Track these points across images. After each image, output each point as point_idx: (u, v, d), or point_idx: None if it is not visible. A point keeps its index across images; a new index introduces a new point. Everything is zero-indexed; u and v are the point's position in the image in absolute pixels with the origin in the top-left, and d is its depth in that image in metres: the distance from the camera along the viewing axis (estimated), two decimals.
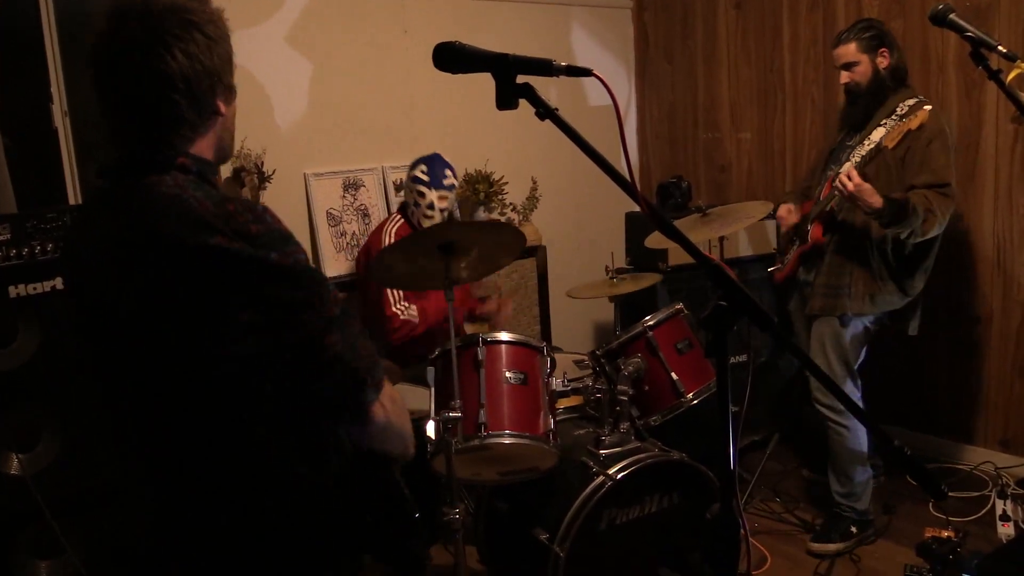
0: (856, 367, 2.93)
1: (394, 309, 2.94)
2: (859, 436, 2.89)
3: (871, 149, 2.74)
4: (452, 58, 1.28)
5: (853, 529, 2.94)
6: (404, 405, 1.36)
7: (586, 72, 1.24)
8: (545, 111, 1.23)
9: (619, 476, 2.21)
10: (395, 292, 2.96)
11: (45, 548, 2.34)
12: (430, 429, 2.14)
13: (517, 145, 3.97)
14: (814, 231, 2.94)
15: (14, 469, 2.26)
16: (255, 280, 1.14)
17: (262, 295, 1.15)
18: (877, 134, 2.81)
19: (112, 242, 1.20)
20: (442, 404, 2.16)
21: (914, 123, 2.55)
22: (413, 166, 3.14)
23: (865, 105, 2.86)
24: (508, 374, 2.19)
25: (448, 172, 3.11)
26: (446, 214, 3.12)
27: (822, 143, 3.39)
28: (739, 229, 2.97)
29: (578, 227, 4.30)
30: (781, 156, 4.01)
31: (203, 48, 1.22)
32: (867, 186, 2.60)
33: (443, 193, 3.08)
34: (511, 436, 2.12)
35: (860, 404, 2.95)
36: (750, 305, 1.20)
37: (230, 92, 1.30)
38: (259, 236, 1.15)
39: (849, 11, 3.61)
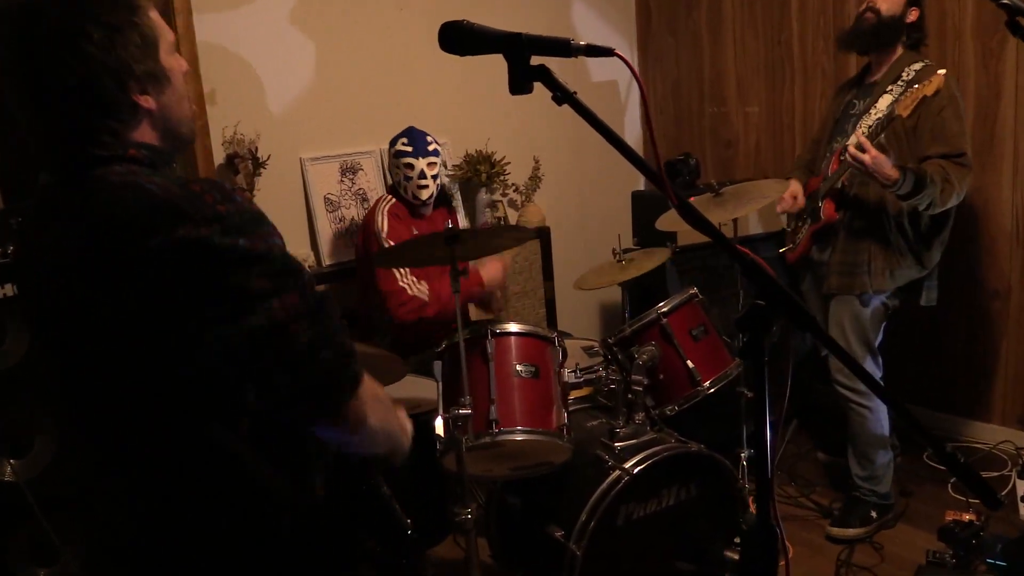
0: (876, 345, 2.85)
1: (401, 284, 2.83)
2: (881, 418, 2.82)
3: (881, 118, 2.63)
4: (459, 39, 1.18)
5: (873, 514, 2.88)
6: (389, 402, 1.26)
7: (608, 52, 1.14)
8: (563, 95, 1.14)
9: (636, 470, 2.13)
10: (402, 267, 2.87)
11: (43, 554, 2.28)
12: (439, 426, 2.06)
13: (519, 124, 3.86)
14: (826, 208, 2.84)
15: (8, 475, 2.19)
16: (223, 269, 1.03)
17: (229, 284, 1.04)
18: (884, 102, 2.71)
19: (67, 242, 1.09)
20: (451, 400, 2.07)
21: (930, 89, 2.43)
22: (392, 143, 3.02)
23: (875, 35, 2.70)
24: (519, 367, 2.11)
25: (429, 138, 3.01)
26: (439, 181, 3.02)
27: (824, 115, 3.28)
28: (754, 210, 2.86)
29: (583, 207, 4.20)
30: (790, 131, 3.90)
31: (100, 43, 1.06)
32: (883, 157, 2.49)
33: (431, 160, 2.97)
34: (523, 432, 2.04)
35: (880, 377, 2.89)
36: (790, 304, 1.11)
37: (155, 81, 1.13)
38: (228, 217, 1.04)
39: None
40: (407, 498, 2.09)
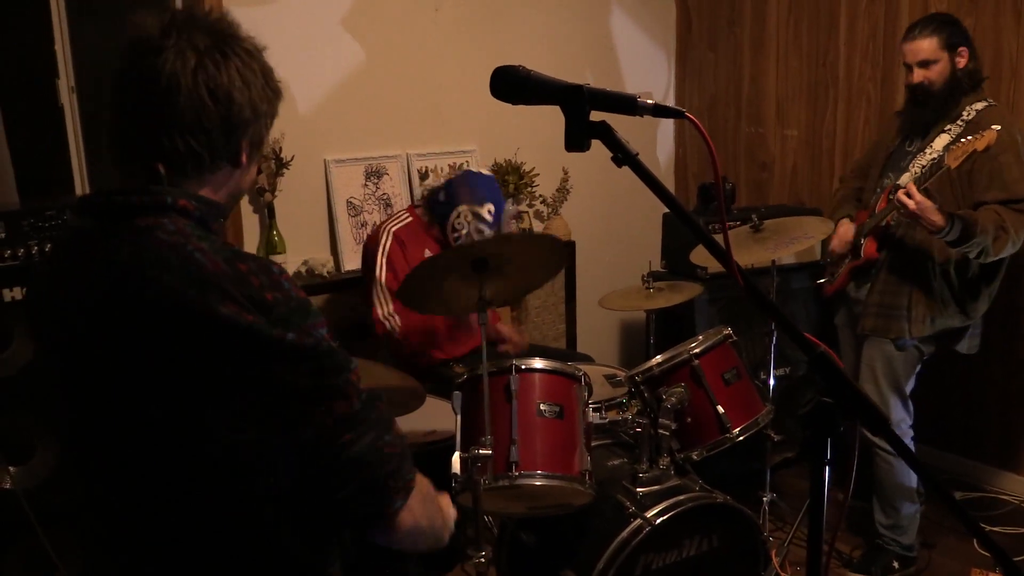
0: (908, 390, 2.74)
1: (380, 315, 2.77)
2: (908, 469, 2.71)
3: (932, 164, 2.52)
4: (514, 86, 1.08)
5: (895, 564, 2.78)
6: (436, 498, 1.20)
7: (678, 113, 1.04)
8: (624, 156, 1.04)
9: (658, 521, 2.03)
10: (383, 296, 2.77)
11: (38, 565, 2.21)
12: (455, 464, 1.97)
13: (550, 134, 3.70)
14: (867, 246, 2.74)
15: (7, 483, 2.12)
16: (268, 363, 0.97)
17: (273, 382, 0.98)
18: (940, 142, 2.60)
19: (96, 295, 1.03)
20: (469, 436, 1.98)
21: (981, 144, 2.34)
22: (478, 199, 2.81)
23: (935, 109, 2.63)
24: (542, 406, 2.01)
25: (506, 207, 2.91)
26: None
27: (876, 141, 3.16)
28: (795, 251, 2.74)
29: (610, 223, 4.08)
30: (829, 156, 3.77)
31: (257, 82, 1.08)
32: (928, 203, 2.40)
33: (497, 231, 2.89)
34: (544, 477, 1.95)
35: (911, 431, 2.79)
36: (860, 402, 1.01)
37: (257, 148, 1.13)
38: (275, 307, 0.98)
39: (915, 3, 3.35)
40: None
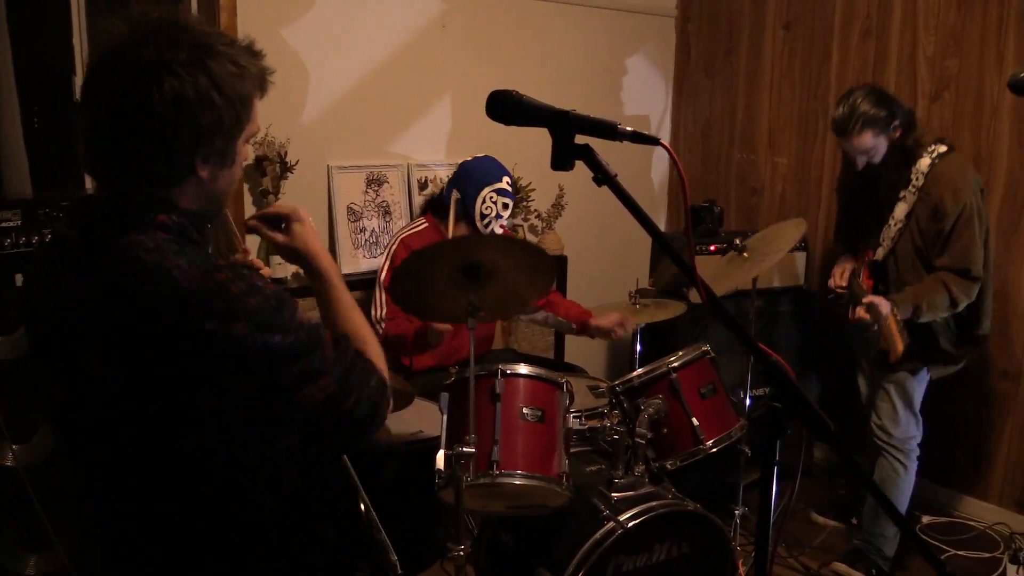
0: (918, 408, 2.89)
1: (371, 317, 2.86)
2: (910, 481, 2.87)
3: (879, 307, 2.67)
4: (508, 109, 1.20)
5: (873, 571, 2.89)
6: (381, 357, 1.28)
7: (654, 140, 1.15)
8: (604, 177, 1.15)
9: (630, 524, 2.13)
10: (380, 298, 2.87)
11: (36, 541, 2.29)
12: (440, 460, 2.07)
13: (547, 151, 3.83)
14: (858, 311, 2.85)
15: (9, 460, 2.20)
16: (258, 368, 1.06)
17: (263, 382, 1.07)
18: (900, 211, 2.78)
19: (84, 314, 1.08)
20: (455, 435, 2.08)
21: (893, 350, 2.62)
22: (494, 174, 2.94)
23: (888, 180, 2.77)
24: (525, 410, 2.11)
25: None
26: None
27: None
28: (777, 259, 2.82)
29: (602, 239, 4.19)
30: (817, 184, 3.89)
31: (202, 94, 1.06)
32: (888, 305, 2.60)
33: None
34: (523, 477, 2.04)
35: (918, 448, 2.92)
36: (807, 407, 1.12)
37: (221, 158, 1.13)
38: (258, 311, 1.05)
39: (903, 43, 3.48)
40: (398, 522, 2.11)
